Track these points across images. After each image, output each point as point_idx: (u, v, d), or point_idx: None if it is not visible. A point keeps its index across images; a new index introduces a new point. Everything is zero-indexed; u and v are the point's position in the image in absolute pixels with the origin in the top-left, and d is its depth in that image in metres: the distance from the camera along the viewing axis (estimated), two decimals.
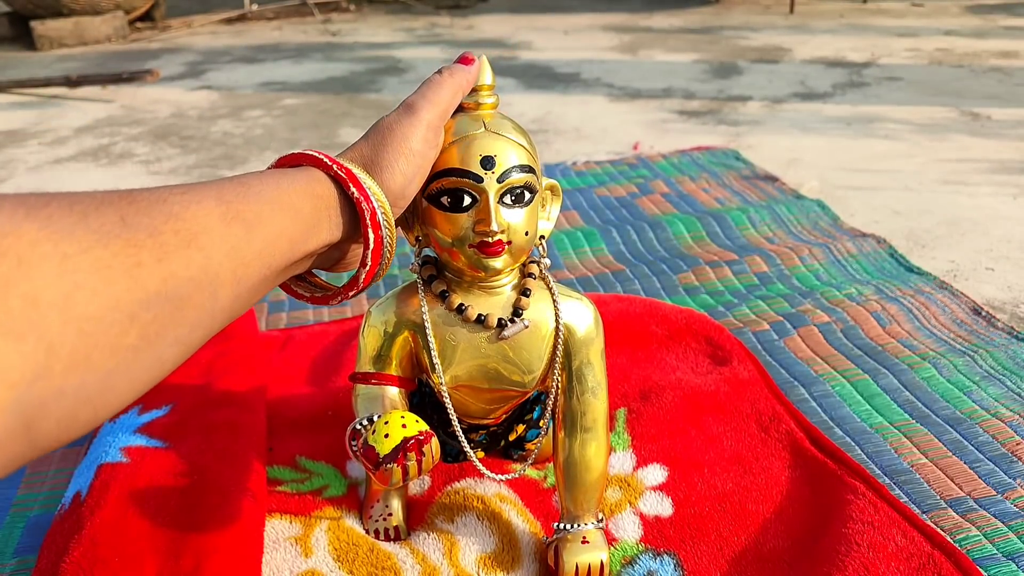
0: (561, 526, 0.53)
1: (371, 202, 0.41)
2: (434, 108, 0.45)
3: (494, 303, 0.49)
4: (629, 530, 0.57)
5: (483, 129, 0.46)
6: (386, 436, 0.42)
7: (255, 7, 3.22)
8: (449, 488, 0.60)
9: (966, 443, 0.64)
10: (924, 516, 0.57)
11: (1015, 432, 0.65)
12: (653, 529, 0.57)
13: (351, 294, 0.44)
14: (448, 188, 0.46)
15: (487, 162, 0.45)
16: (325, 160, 0.41)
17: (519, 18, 3.03)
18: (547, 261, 0.51)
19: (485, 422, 0.56)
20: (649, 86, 1.92)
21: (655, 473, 0.62)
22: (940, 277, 0.92)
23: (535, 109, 1.76)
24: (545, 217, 0.51)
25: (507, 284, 0.50)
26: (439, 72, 0.46)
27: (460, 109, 0.48)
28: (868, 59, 2.11)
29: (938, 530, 0.55)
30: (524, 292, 0.49)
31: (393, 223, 0.43)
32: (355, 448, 0.45)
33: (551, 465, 0.63)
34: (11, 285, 0.25)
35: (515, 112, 1.68)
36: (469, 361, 0.49)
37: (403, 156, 0.43)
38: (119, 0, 2.79)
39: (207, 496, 0.55)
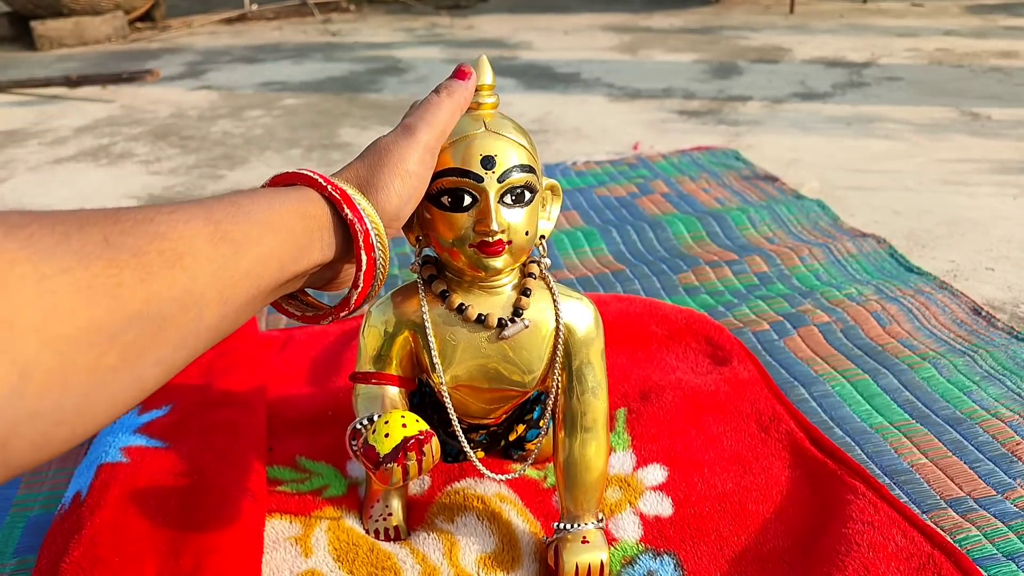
0: (561, 526, 0.53)
1: (364, 223, 0.41)
2: (432, 130, 0.44)
3: (494, 303, 0.49)
4: (629, 530, 0.57)
5: (483, 129, 0.46)
6: (386, 436, 0.42)
7: (255, 7, 3.22)
8: (449, 488, 0.60)
9: (966, 443, 0.64)
10: (924, 516, 0.57)
11: (1015, 432, 0.65)
12: (653, 529, 0.57)
13: (342, 315, 0.44)
14: (448, 188, 0.46)
15: (487, 162, 0.45)
16: (319, 180, 0.41)
17: (519, 18, 3.03)
18: (547, 261, 0.51)
19: (485, 422, 0.56)
20: (649, 86, 1.92)
21: (655, 473, 0.62)
22: (940, 277, 0.92)
23: (535, 109, 1.76)
24: (545, 217, 0.51)
25: (507, 284, 0.50)
26: (436, 92, 0.46)
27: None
28: (868, 59, 2.11)
29: (938, 530, 0.55)
30: (524, 292, 0.49)
31: (387, 244, 0.42)
32: (355, 448, 0.44)
33: (551, 465, 0.63)
34: None
35: (515, 112, 1.68)
36: (469, 361, 0.49)
37: (399, 177, 0.43)
38: (119, 0, 2.79)
39: (207, 496, 0.55)
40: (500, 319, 0.49)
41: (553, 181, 0.51)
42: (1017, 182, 1.23)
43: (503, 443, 0.60)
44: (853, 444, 0.65)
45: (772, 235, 1.04)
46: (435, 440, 0.42)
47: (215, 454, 0.59)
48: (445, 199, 0.46)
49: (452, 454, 0.58)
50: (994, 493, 0.59)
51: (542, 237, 0.50)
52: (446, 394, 0.50)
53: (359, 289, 0.42)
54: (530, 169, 0.46)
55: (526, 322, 0.49)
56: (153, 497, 0.55)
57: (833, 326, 0.82)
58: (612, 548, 0.55)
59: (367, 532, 0.57)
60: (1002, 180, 1.24)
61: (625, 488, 0.61)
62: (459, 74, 0.47)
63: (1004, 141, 1.42)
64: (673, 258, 0.98)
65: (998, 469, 0.61)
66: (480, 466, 0.51)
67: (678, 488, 0.60)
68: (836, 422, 0.68)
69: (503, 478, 0.54)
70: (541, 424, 0.54)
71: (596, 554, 0.52)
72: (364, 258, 0.41)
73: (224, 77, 2.18)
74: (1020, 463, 0.62)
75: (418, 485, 0.61)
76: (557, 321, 0.50)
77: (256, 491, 0.57)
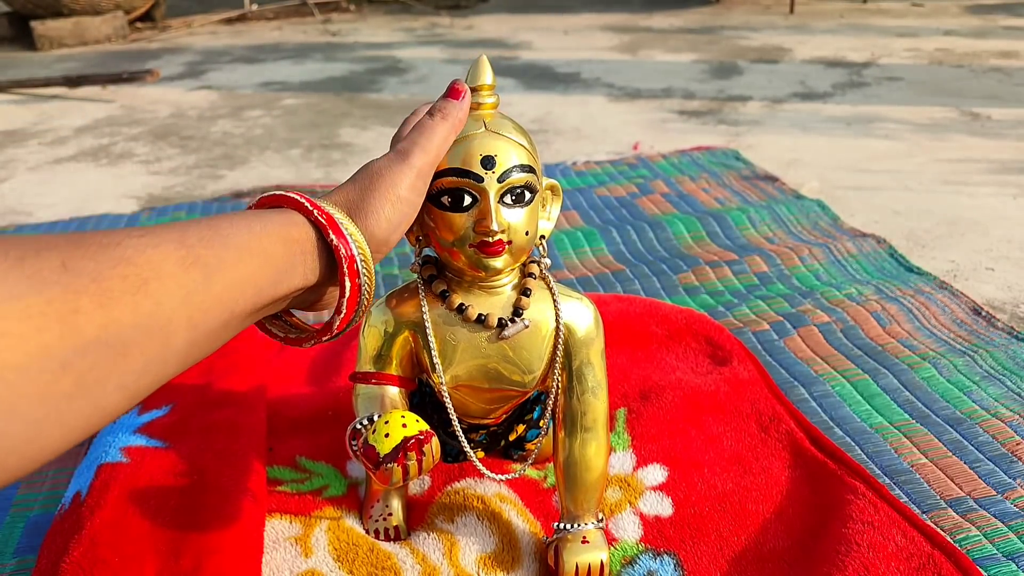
0: (561, 526, 0.53)
1: (351, 248, 0.40)
2: (426, 156, 0.44)
3: (494, 303, 0.49)
4: (629, 530, 0.57)
5: (483, 129, 0.47)
6: (386, 435, 0.42)
7: (255, 7, 3.22)
8: (449, 488, 0.60)
9: (966, 443, 0.64)
10: (924, 516, 0.57)
11: (1015, 432, 0.65)
12: (653, 529, 0.57)
13: (324, 339, 0.43)
14: (448, 188, 0.46)
15: (487, 162, 0.45)
16: (306, 204, 0.40)
17: (519, 18, 3.03)
18: (547, 261, 0.51)
19: (485, 422, 0.56)
20: (649, 86, 1.92)
21: (655, 473, 0.62)
22: (940, 277, 0.92)
23: (535, 109, 1.76)
24: (545, 217, 0.51)
25: (507, 284, 0.50)
26: (430, 114, 0.45)
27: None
28: (868, 59, 2.11)
29: (938, 530, 0.55)
30: (524, 292, 0.49)
31: (373, 270, 0.42)
32: (355, 448, 0.44)
33: (551, 465, 0.63)
34: None
35: (515, 112, 1.68)
36: (469, 361, 0.49)
37: (389, 203, 0.43)
38: (119, 0, 2.79)
39: (207, 496, 0.55)
40: (500, 319, 0.49)
41: (553, 181, 0.51)
42: (1017, 182, 1.23)
43: (503, 443, 0.60)
44: (853, 444, 0.65)
45: (772, 235, 1.04)
46: (435, 440, 0.42)
47: (215, 454, 0.59)
48: (445, 199, 0.46)
49: (452, 454, 0.58)
50: (994, 493, 0.59)
51: (542, 237, 0.50)
52: (446, 394, 0.50)
53: (342, 315, 0.41)
54: (530, 169, 0.46)
55: (526, 322, 0.49)
56: (153, 497, 0.55)
57: (833, 326, 0.82)
58: (612, 548, 0.55)
59: (367, 532, 0.57)
60: (1002, 180, 1.24)
61: (625, 488, 0.61)
62: (452, 92, 0.46)
63: (1004, 141, 1.42)
64: (673, 258, 0.98)
65: (998, 469, 0.61)
66: (480, 466, 0.51)
67: (678, 488, 0.60)
68: (836, 422, 0.68)
69: (503, 478, 0.54)
70: (541, 424, 0.54)
71: (596, 554, 0.52)
72: (348, 284, 0.40)
73: (224, 77, 2.18)
74: (1020, 463, 0.62)
75: (418, 485, 0.61)
76: (557, 321, 0.50)
77: (256, 491, 0.57)
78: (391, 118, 1.73)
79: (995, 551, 0.54)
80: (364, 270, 0.41)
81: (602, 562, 0.52)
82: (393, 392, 0.50)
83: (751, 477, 0.61)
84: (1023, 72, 1.92)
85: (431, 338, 0.49)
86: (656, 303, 0.84)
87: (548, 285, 0.51)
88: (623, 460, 0.63)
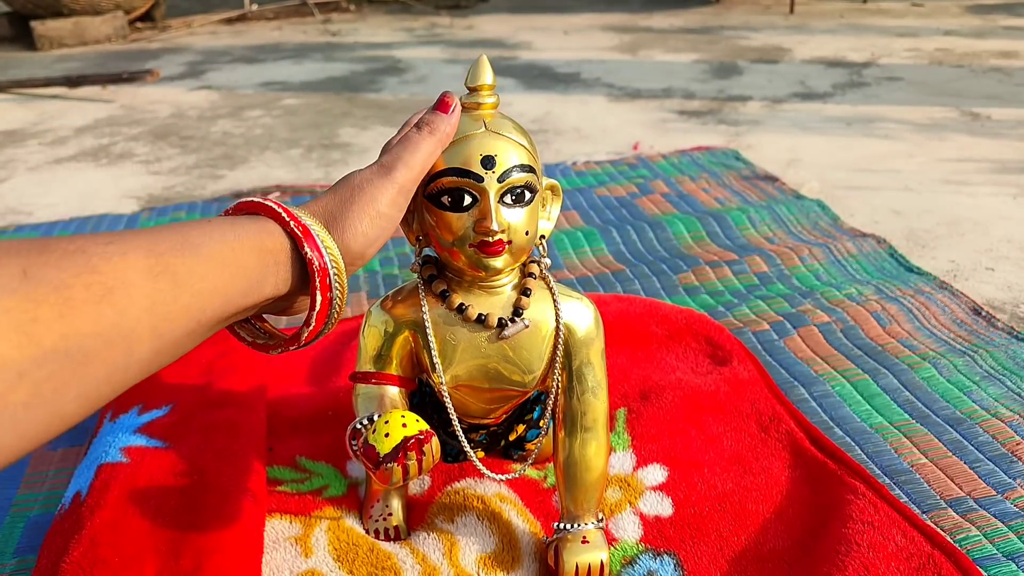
0: (561, 526, 0.53)
1: (324, 261, 0.40)
2: (410, 171, 0.44)
3: (494, 303, 0.49)
4: (629, 530, 0.57)
5: (483, 129, 0.47)
6: (386, 435, 0.42)
7: (255, 7, 3.23)
8: (449, 488, 0.60)
9: (966, 443, 0.64)
10: (924, 516, 0.57)
11: (1015, 432, 0.65)
12: (653, 529, 0.57)
13: (292, 348, 0.43)
14: (448, 188, 0.46)
15: (487, 162, 0.45)
16: (283, 214, 0.40)
17: (519, 18, 3.03)
18: (547, 261, 0.51)
19: (485, 422, 0.56)
20: (649, 86, 1.92)
21: (655, 473, 0.62)
22: (940, 277, 0.92)
23: (535, 109, 1.76)
24: (545, 217, 0.51)
25: (507, 284, 0.50)
26: (418, 127, 0.45)
27: (461, 109, 0.48)
28: (868, 59, 2.11)
29: (938, 530, 0.55)
30: (524, 292, 0.49)
31: (345, 284, 0.41)
32: (355, 447, 0.44)
33: (551, 465, 0.63)
34: None
35: (515, 112, 1.68)
36: (469, 361, 0.49)
37: (368, 217, 0.42)
38: (119, 0, 2.79)
39: (207, 496, 0.55)
40: (500, 319, 0.49)
41: (553, 181, 0.51)
42: (1017, 182, 1.23)
43: (503, 443, 0.60)
44: (853, 444, 0.65)
45: (772, 235, 1.04)
46: (435, 440, 0.42)
47: (215, 454, 0.59)
48: (445, 199, 0.46)
49: (452, 454, 0.58)
50: (994, 493, 0.59)
51: (542, 237, 0.50)
52: (446, 394, 0.50)
53: (311, 327, 0.41)
54: (530, 169, 0.46)
55: (526, 322, 0.49)
56: (153, 497, 0.55)
57: (833, 326, 0.82)
58: (612, 548, 0.55)
59: (367, 532, 0.57)
60: (1002, 180, 1.24)
61: (625, 488, 0.61)
62: (441, 105, 0.46)
63: (1004, 141, 1.42)
64: (673, 258, 0.98)
65: (998, 469, 0.61)
66: (480, 466, 0.51)
67: (678, 488, 0.60)
68: (836, 422, 0.68)
69: (503, 478, 0.54)
70: (541, 424, 0.54)
71: (596, 554, 0.52)
72: (320, 298, 0.40)
73: (224, 77, 2.18)
74: (1020, 463, 0.62)
75: (418, 485, 0.61)
76: (557, 321, 0.50)
77: (256, 491, 0.57)
78: (391, 118, 1.73)
79: (995, 551, 0.54)
80: (336, 284, 0.41)
81: (602, 562, 0.52)
82: (393, 392, 0.50)
83: (751, 477, 0.61)
84: (1023, 72, 1.92)
85: (431, 338, 0.49)
86: (656, 303, 0.84)
87: (548, 285, 0.51)
88: (623, 460, 0.63)
